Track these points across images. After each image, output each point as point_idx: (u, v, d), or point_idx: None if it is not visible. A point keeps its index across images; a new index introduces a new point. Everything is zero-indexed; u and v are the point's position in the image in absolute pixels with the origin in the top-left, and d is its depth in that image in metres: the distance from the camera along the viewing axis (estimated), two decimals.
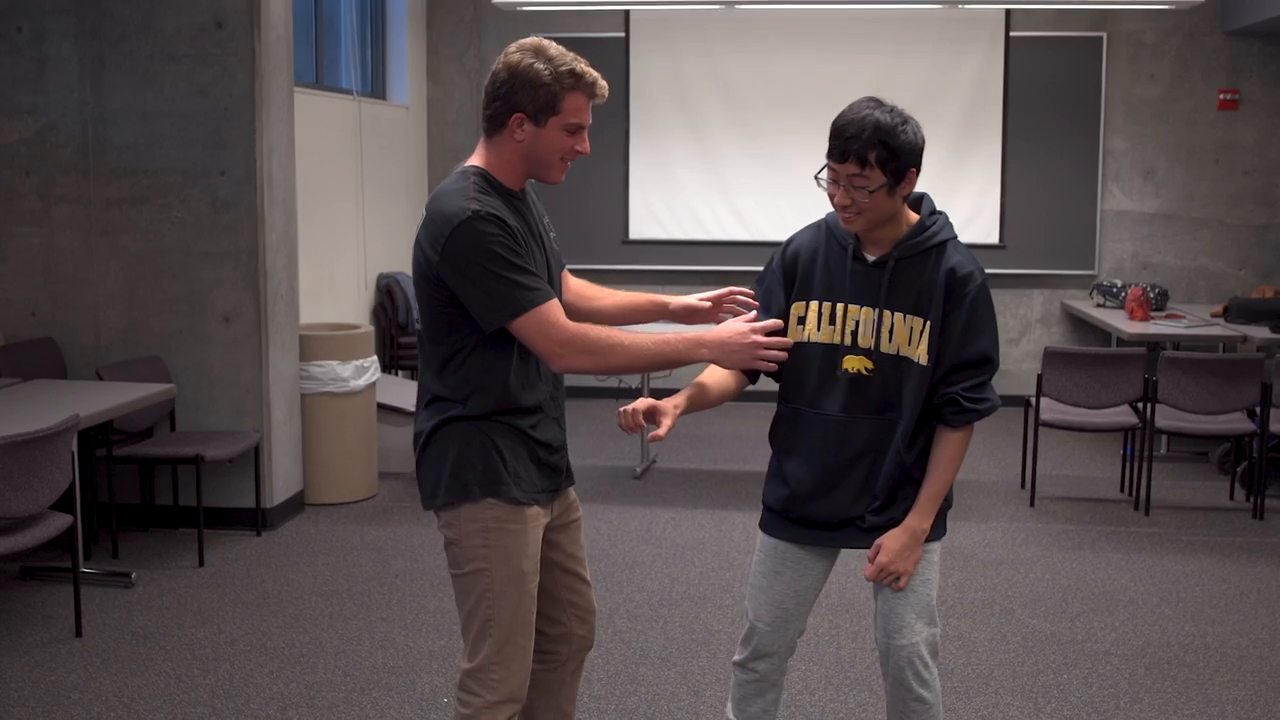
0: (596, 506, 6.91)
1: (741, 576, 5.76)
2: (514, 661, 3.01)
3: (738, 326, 3.03)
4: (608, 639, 4.99)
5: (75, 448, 4.98)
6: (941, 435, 3.08)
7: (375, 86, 9.57)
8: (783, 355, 3.05)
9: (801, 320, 3.10)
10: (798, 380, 3.12)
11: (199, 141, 6.27)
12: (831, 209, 3.07)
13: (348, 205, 8.62)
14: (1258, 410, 6.76)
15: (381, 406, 7.25)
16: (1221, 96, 9.61)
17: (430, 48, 10.15)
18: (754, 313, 3.16)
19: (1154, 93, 9.68)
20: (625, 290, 3.49)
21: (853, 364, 3.05)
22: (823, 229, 3.15)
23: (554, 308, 2.89)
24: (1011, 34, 9.60)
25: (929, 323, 3.00)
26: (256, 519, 6.39)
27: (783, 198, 9.70)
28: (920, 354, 3.01)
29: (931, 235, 3.04)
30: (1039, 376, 6.98)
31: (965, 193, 9.65)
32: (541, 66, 2.87)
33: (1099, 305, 9.09)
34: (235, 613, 5.28)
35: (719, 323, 3.24)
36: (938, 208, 3.11)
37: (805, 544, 3.19)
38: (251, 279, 6.31)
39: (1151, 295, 8.57)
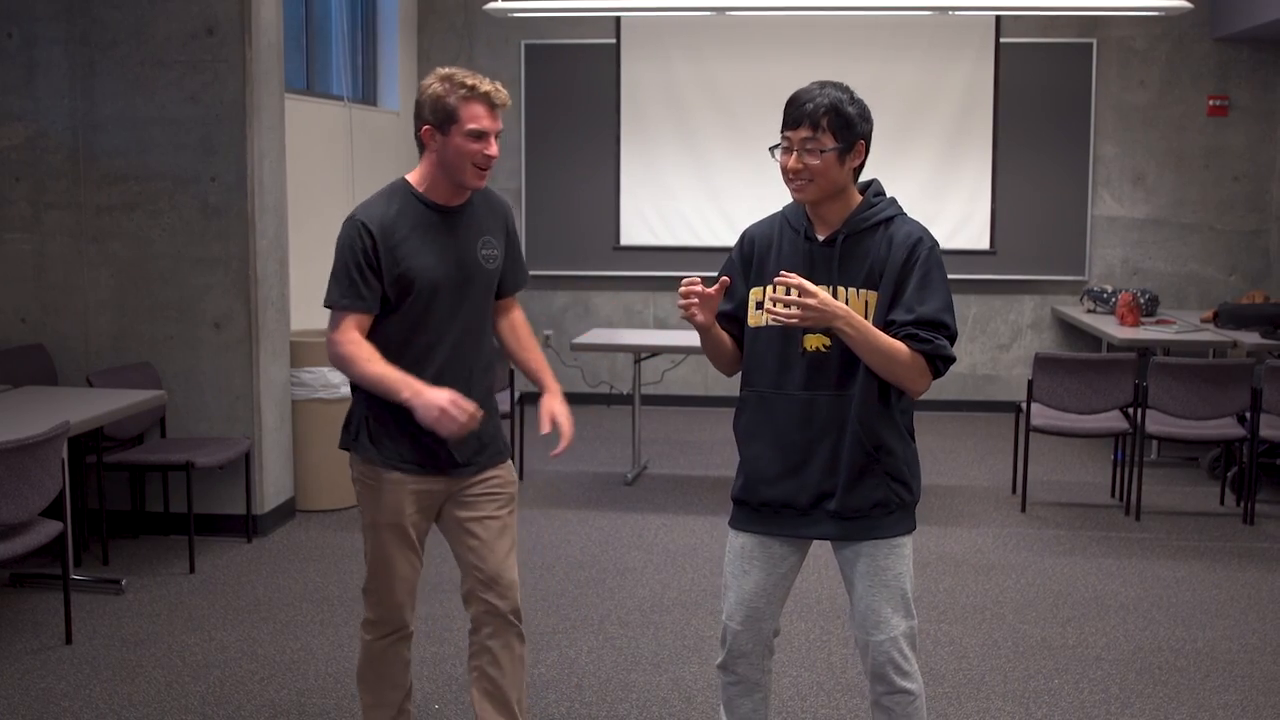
0: (587, 513, 6.91)
1: None
2: (381, 592, 3.58)
3: (441, 400, 3.21)
4: (599, 645, 4.99)
5: (65, 454, 4.97)
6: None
7: (366, 93, 9.57)
8: (461, 426, 3.22)
9: (759, 305, 3.16)
10: (758, 363, 3.19)
11: (190, 147, 6.27)
12: (789, 198, 3.19)
13: (339, 211, 8.54)
14: (1248, 415, 6.77)
15: None
16: (1211, 102, 9.64)
17: (421, 54, 10.15)
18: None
19: (1144, 99, 9.70)
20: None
21: (811, 342, 3.11)
22: (778, 218, 3.27)
23: (348, 316, 3.35)
24: (1001, 40, 9.62)
25: (874, 293, 3.07)
26: (247, 525, 6.38)
27: (773, 204, 9.65)
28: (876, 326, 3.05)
29: (878, 211, 3.13)
30: (1030, 382, 6.99)
31: (956, 199, 9.67)
32: (439, 86, 3.35)
33: (1089, 311, 9.11)
34: (226, 620, 5.27)
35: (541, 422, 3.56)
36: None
37: (773, 534, 3.22)
38: (242, 285, 6.31)
39: (1142, 301, 8.58)
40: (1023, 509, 7.06)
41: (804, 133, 3.06)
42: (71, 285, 6.40)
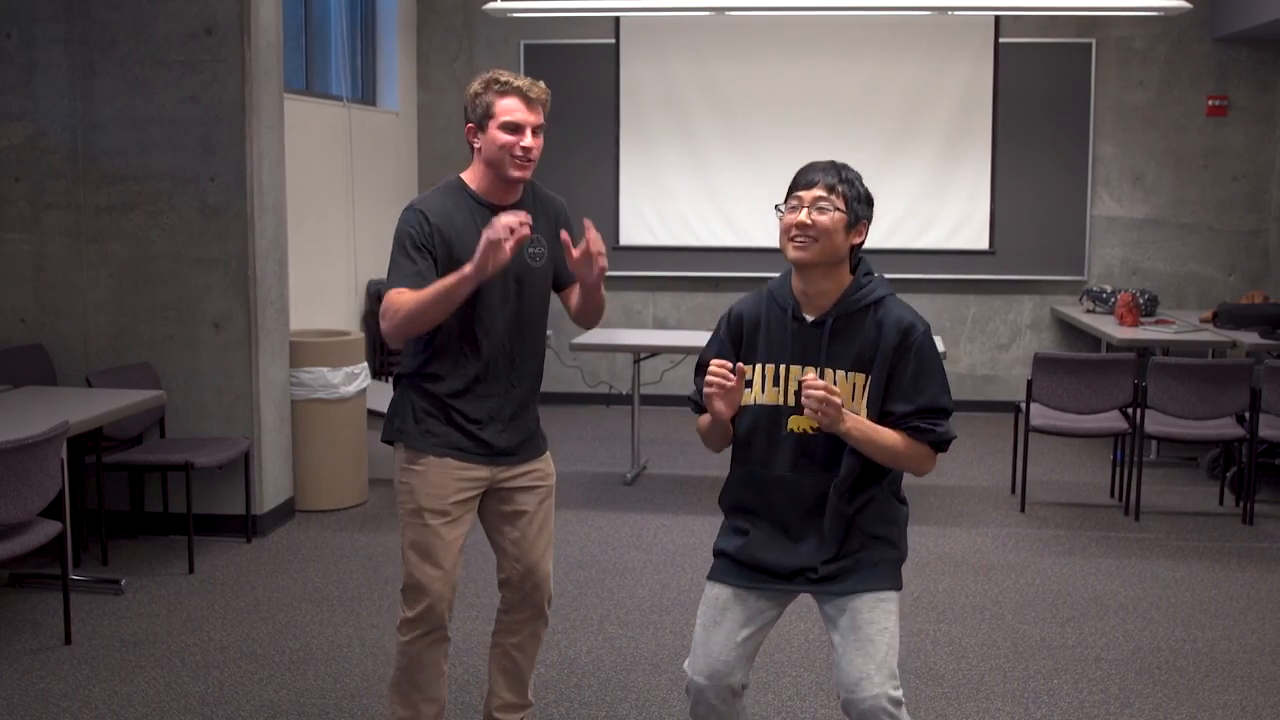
0: (587, 513, 6.90)
1: None
2: (421, 586, 3.57)
3: (481, 249, 3.24)
4: (598, 645, 4.98)
5: (65, 454, 4.97)
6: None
7: (365, 93, 9.57)
8: (513, 233, 3.21)
9: (749, 383, 3.14)
10: (747, 442, 3.18)
11: (189, 148, 6.27)
12: (778, 275, 3.22)
13: (338, 211, 8.61)
14: (1247, 415, 6.77)
15: (372, 413, 7.23)
16: (1210, 102, 9.64)
17: (421, 54, 10.15)
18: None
19: (1143, 99, 9.70)
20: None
21: (798, 424, 3.10)
22: (764, 295, 3.24)
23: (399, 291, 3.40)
24: (1001, 40, 9.62)
25: (870, 378, 3.07)
26: (246, 526, 6.38)
27: (772, 203, 9.68)
28: (863, 410, 3.06)
29: (869, 291, 3.12)
30: (1029, 382, 6.99)
31: (955, 198, 9.66)
32: (478, 85, 3.50)
33: (1089, 311, 9.11)
34: (225, 620, 5.27)
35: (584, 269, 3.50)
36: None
37: (752, 586, 3.17)
38: (242, 285, 6.30)
39: (1141, 301, 8.58)
40: (1022, 509, 7.06)
41: (818, 192, 3.08)
42: (71, 285, 6.40)
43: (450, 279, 3.31)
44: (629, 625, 5.22)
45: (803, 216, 3.07)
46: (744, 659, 3.17)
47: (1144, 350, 7.71)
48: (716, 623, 3.17)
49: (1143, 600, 5.59)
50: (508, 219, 3.24)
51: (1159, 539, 6.54)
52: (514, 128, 3.44)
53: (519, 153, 3.45)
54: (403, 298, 3.36)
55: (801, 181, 3.13)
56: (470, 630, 5.09)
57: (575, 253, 3.43)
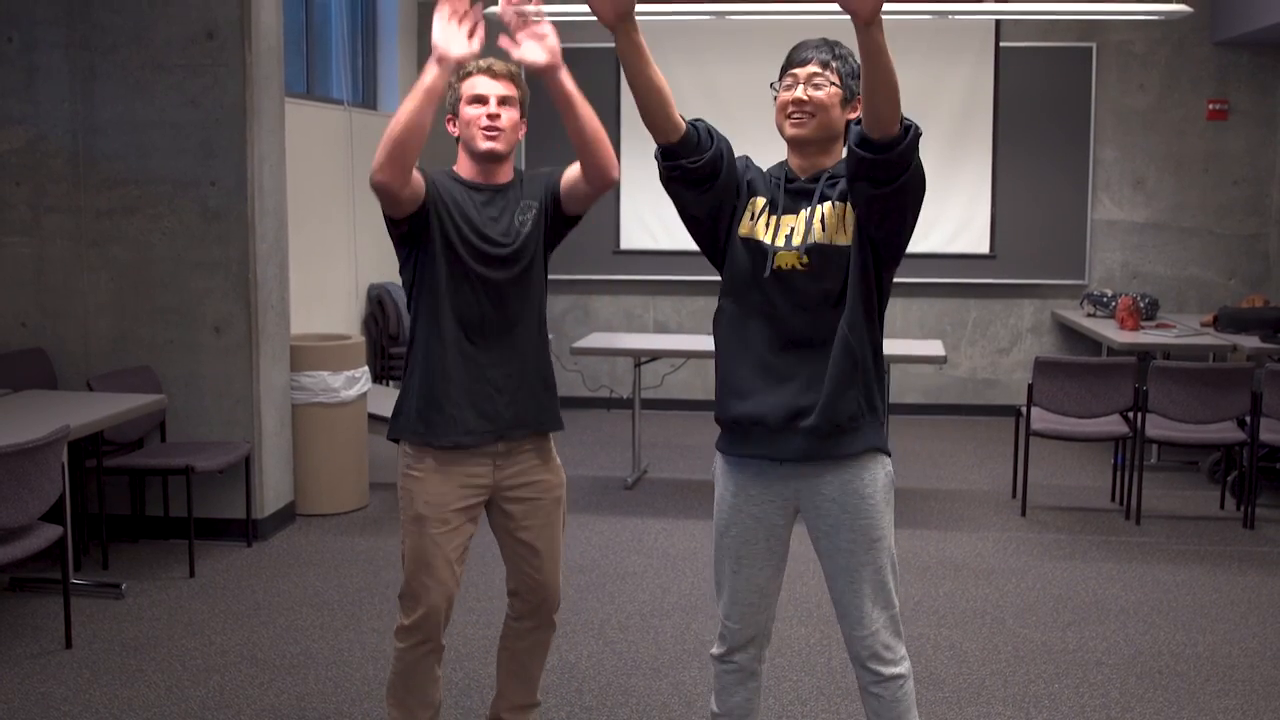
0: (587, 516, 6.90)
1: None
2: (419, 595, 3.55)
3: (434, 34, 3.29)
4: (599, 649, 4.98)
5: (65, 458, 4.97)
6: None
7: (366, 96, 9.57)
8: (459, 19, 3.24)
9: (754, 216, 3.15)
10: (734, 276, 3.16)
11: (190, 151, 6.27)
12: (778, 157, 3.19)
13: (339, 215, 8.61)
14: (1248, 419, 6.77)
15: (372, 417, 7.24)
16: (1211, 106, 9.65)
17: (421, 58, 10.14)
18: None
19: (1144, 103, 9.71)
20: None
21: (786, 260, 3.07)
22: (759, 167, 3.29)
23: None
24: (1001, 44, 9.62)
25: (848, 206, 3.05)
26: (247, 530, 6.38)
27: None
28: (848, 238, 3.04)
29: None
30: (1030, 386, 6.99)
31: (955, 202, 9.66)
32: (450, 79, 3.46)
33: (1089, 315, 9.11)
34: (226, 624, 5.27)
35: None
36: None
37: (746, 455, 3.16)
38: (242, 289, 6.30)
39: (1142, 305, 8.59)
40: (1023, 513, 7.05)
41: (813, 69, 3.08)
42: (71, 289, 6.40)
43: (418, 83, 3.28)
44: (629, 630, 5.22)
45: (799, 93, 3.07)
46: (770, 596, 3.27)
47: (1145, 354, 7.71)
48: (736, 571, 3.23)
49: (1144, 604, 5.59)
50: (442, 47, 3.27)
51: (1160, 543, 6.53)
52: (479, 100, 3.49)
53: (484, 122, 3.48)
54: (389, 127, 3.30)
55: (796, 59, 3.12)
56: (471, 635, 5.09)
57: (514, 28, 3.35)
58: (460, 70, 3.47)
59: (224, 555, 6.19)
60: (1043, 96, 9.70)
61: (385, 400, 7.70)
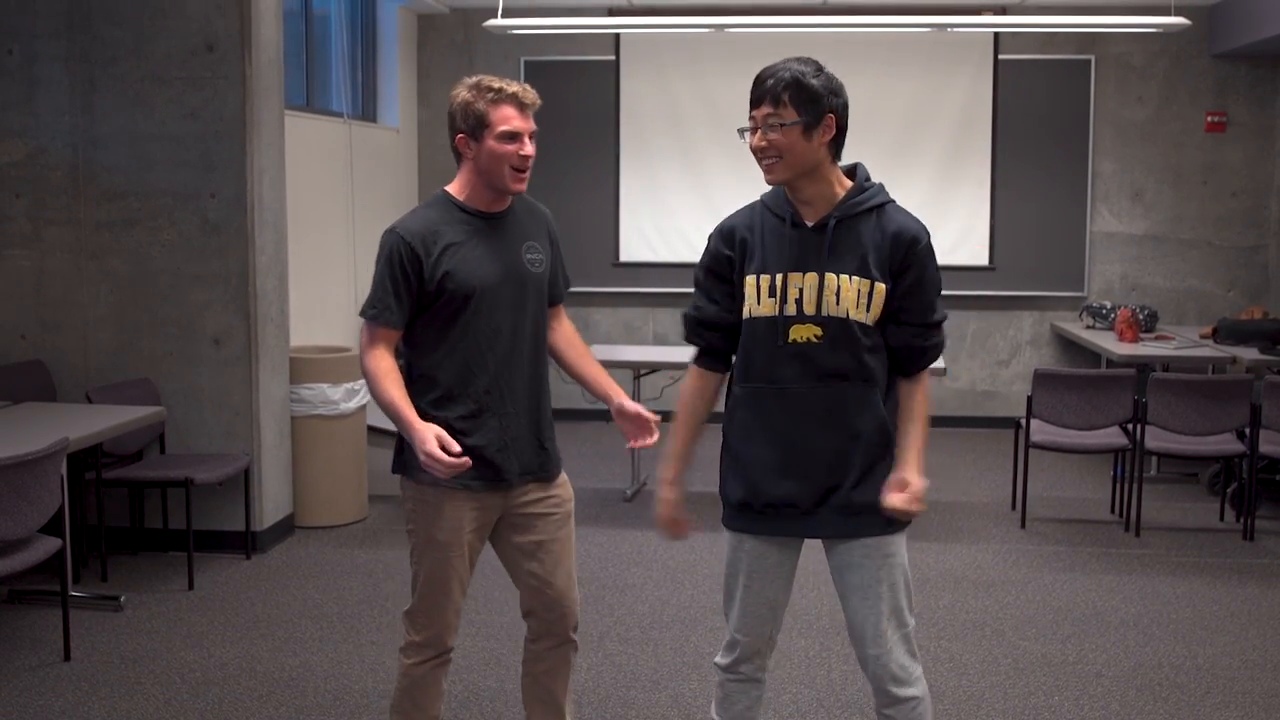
0: (587, 529, 6.90)
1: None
2: (432, 613, 3.51)
3: (427, 437, 3.19)
4: (598, 662, 4.98)
5: (64, 471, 4.97)
6: (905, 388, 3.11)
7: (366, 109, 9.58)
8: (444, 472, 3.17)
9: (744, 297, 3.10)
10: (748, 358, 3.11)
11: (189, 164, 6.28)
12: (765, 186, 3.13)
13: (338, 228, 8.62)
14: (1247, 431, 6.77)
15: (372, 429, 7.24)
16: (1209, 118, 9.66)
17: (421, 71, 10.17)
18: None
19: (1142, 115, 9.72)
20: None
21: (801, 333, 3.03)
22: (756, 206, 3.17)
23: (378, 329, 3.36)
24: (1000, 57, 9.64)
25: (878, 285, 3.01)
26: (246, 542, 6.37)
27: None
28: (871, 317, 3.01)
29: (870, 197, 3.05)
30: (1029, 398, 6.99)
31: (955, 215, 9.68)
32: (468, 93, 3.34)
33: (1088, 327, 9.11)
34: (225, 636, 5.26)
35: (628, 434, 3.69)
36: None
37: (775, 535, 3.16)
38: (242, 301, 6.31)
39: (1141, 317, 8.59)
40: (1022, 525, 7.05)
41: (766, 109, 2.99)
42: (71, 301, 6.41)
43: (399, 414, 3.26)
44: (629, 642, 5.21)
45: (757, 140, 3.01)
46: (780, 608, 3.26)
47: (1144, 366, 7.71)
48: (747, 585, 3.22)
49: (1143, 616, 5.58)
50: (435, 460, 3.17)
51: (1159, 555, 6.53)
52: (512, 136, 3.32)
53: (517, 162, 3.35)
54: (377, 378, 3.31)
55: (752, 97, 3.04)
56: (470, 648, 5.08)
57: (632, 439, 3.66)
58: (489, 91, 3.32)
59: (223, 568, 6.19)
60: (1041, 109, 9.71)
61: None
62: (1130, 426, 6.94)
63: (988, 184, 9.68)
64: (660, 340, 9.99)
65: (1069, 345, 9.79)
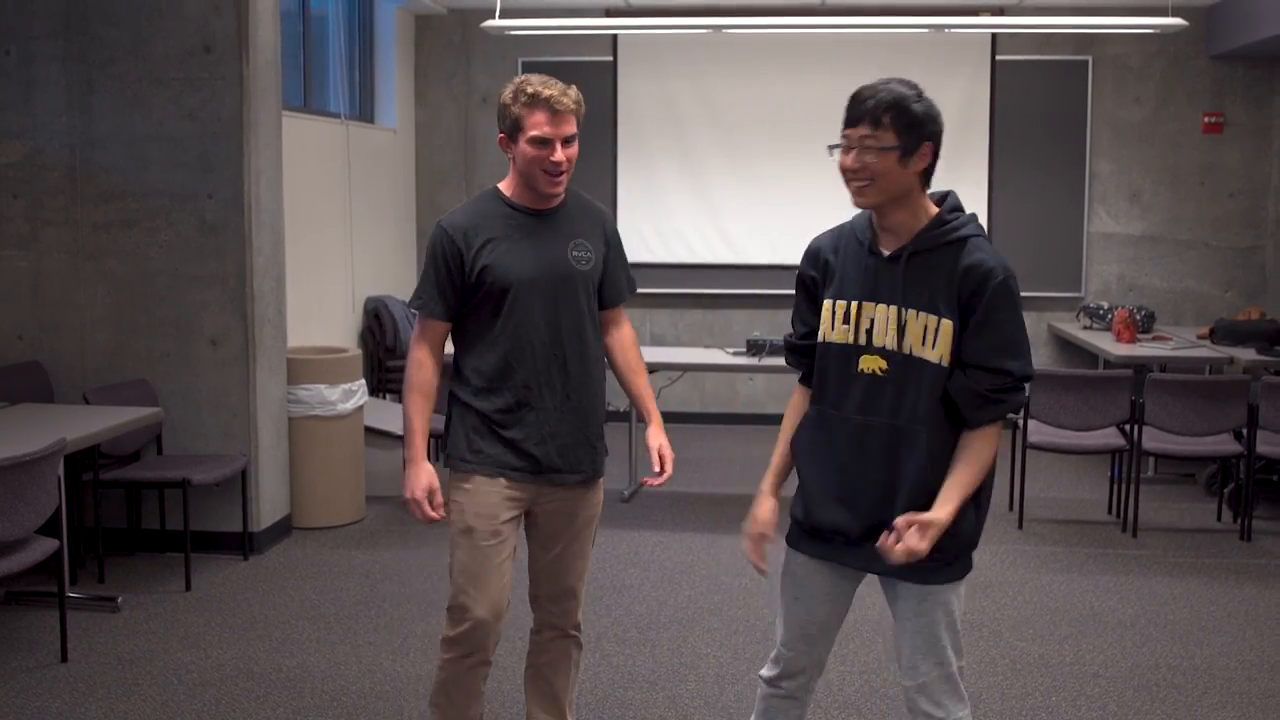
0: None
1: (730, 600, 5.75)
2: (463, 610, 3.49)
3: (419, 483, 3.46)
4: (595, 662, 4.97)
5: (62, 472, 4.97)
6: (965, 436, 2.92)
7: (363, 110, 9.58)
8: (418, 517, 3.45)
9: (833, 322, 3.01)
10: (822, 380, 3.05)
11: (187, 165, 6.27)
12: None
13: (336, 228, 8.62)
14: (1244, 431, 6.77)
15: (369, 430, 7.24)
16: (1206, 119, 9.67)
17: (418, 71, 10.17)
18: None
19: (1139, 116, 9.73)
20: (638, 367, 3.79)
21: (868, 364, 2.95)
22: (845, 229, 3.08)
23: (427, 321, 3.50)
24: (998, 58, 9.65)
25: (944, 321, 2.88)
26: (243, 543, 6.37)
27: (771, 221, 9.72)
28: (936, 355, 2.88)
29: (952, 229, 2.92)
30: (1026, 399, 6.99)
31: None
32: (509, 94, 3.39)
33: (1086, 327, 9.12)
34: (222, 637, 5.26)
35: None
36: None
37: (824, 559, 3.07)
38: (239, 302, 6.31)
39: (1138, 317, 8.59)
40: (1020, 526, 7.05)
41: (863, 130, 2.88)
42: (68, 302, 6.40)
43: (409, 440, 3.48)
44: (626, 643, 5.21)
45: (850, 160, 2.90)
46: (831, 629, 3.16)
47: (1141, 367, 7.71)
48: (796, 599, 3.14)
49: (1140, 617, 5.59)
50: (415, 505, 3.46)
51: (1157, 555, 6.53)
52: (542, 142, 3.36)
53: (549, 167, 3.39)
54: (409, 386, 3.50)
55: (849, 115, 2.92)
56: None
57: (656, 465, 3.61)
58: (522, 93, 3.35)
59: (220, 568, 6.19)
60: (1039, 110, 9.72)
61: (381, 413, 7.71)
62: (1127, 427, 6.94)
63: (985, 184, 9.69)
64: (658, 341, 9.99)
65: (1066, 346, 9.80)
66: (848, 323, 2.98)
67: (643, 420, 3.67)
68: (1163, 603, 5.78)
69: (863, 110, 2.89)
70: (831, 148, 2.98)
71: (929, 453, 2.90)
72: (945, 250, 2.90)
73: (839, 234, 3.09)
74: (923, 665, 3.00)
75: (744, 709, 4.53)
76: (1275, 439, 6.83)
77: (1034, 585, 6.02)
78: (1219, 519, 7.22)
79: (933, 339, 2.89)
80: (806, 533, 3.11)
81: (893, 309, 2.92)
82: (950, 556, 2.94)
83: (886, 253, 2.95)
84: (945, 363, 2.88)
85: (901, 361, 2.92)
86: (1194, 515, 7.33)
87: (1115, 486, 7.37)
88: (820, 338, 3.04)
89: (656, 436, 3.60)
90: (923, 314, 2.89)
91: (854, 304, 2.97)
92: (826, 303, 3.02)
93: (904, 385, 2.92)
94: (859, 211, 3.05)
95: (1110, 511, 7.38)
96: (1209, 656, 5.12)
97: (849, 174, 2.92)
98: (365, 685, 4.75)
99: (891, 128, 2.88)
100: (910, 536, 2.81)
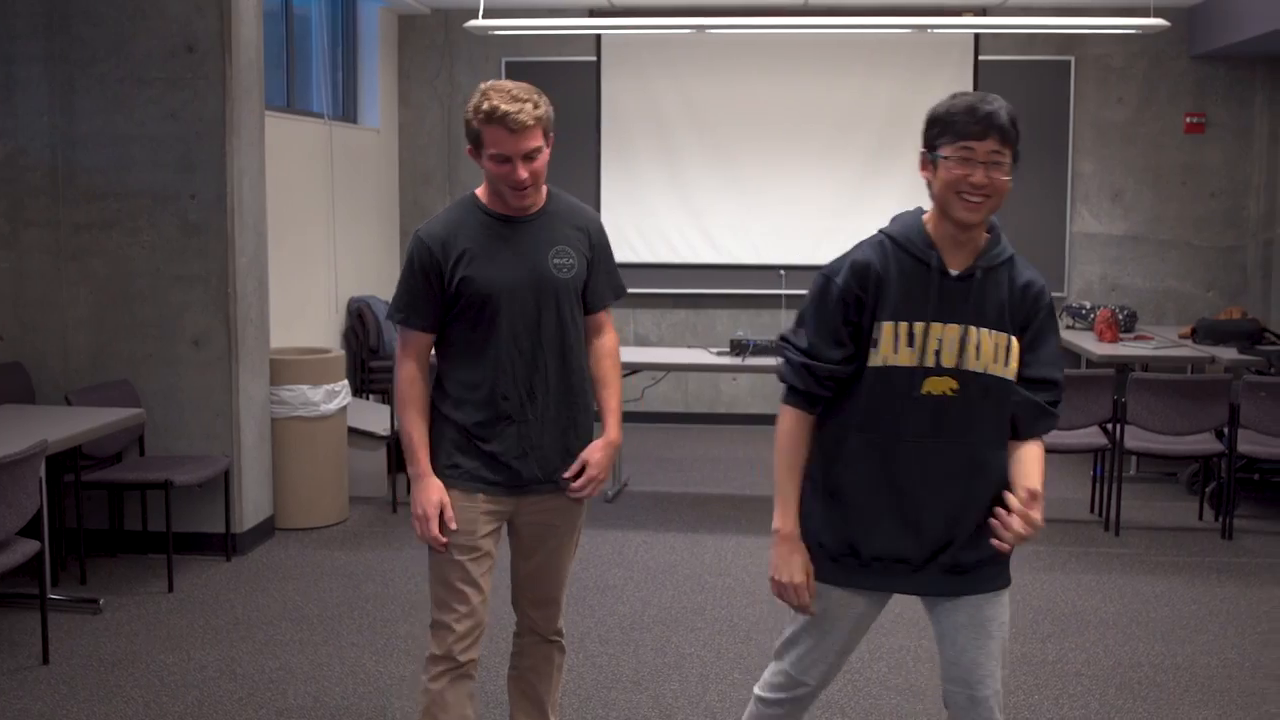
0: None
1: (714, 599, 5.76)
2: (444, 627, 3.42)
3: (430, 499, 3.35)
4: (579, 663, 4.97)
5: (43, 473, 4.95)
6: (1020, 448, 2.99)
7: (346, 110, 9.57)
8: (423, 537, 3.35)
9: (875, 344, 2.86)
10: (872, 408, 2.88)
11: (169, 165, 6.26)
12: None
13: (319, 228, 8.61)
14: (1226, 430, 6.80)
15: (352, 430, 7.23)
16: (1188, 119, 9.70)
17: (402, 71, 10.15)
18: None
19: (1122, 116, 9.76)
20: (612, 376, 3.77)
21: (937, 386, 2.84)
22: (886, 245, 2.89)
23: (409, 334, 3.41)
24: (980, 58, 9.67)
25: (1012, 339, 2.88)
26: (226, 544, 6.36)
27: (754, 221, 9.74)
28: (1011, 372, 2.88)
29: (1007, 247, 2.94)
30: None
31: None
32: (470, 106, 3.28)
33: (1068, 327, 9.14)
34: (205, 639, 5.25)
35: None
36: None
37: (872, 589, 2.96)
38: (222, 303, 6.29)
39: (1120, 317, 8.63)
40: None
41: (992, 145, 2.77)
42: (50, 303, 6.38)
43: (413, 455, 3.38)
44: (610, 643, 5.21)
45: (980, 177, 2.76)
46: (847, 655, 3.08)
47: (1123, 366, 7.74)
48: (827, 631, 2.99)
49: (1122, 616, 5.61)
50: (423, 521, 3.35)
51: (1139, 554, 6.56)
52: (503, 159, 3.26)
53: (512, 183, 3.29)
54: (402, 402, 3.40)
55: (971, 128, 2.80)
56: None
57: (570, 470, 3.49)
58: (481, 112, 3.23)
59: (203, 570, 6.17)
60: (1022, 110, 9.64)
61: (364, 414, 7.71)
62: (1110, 426, 6.96)
63: None
64: (641, 341, 9.99)
65: None
66: (912, 345, 2.84)
67: (604, 428, 3.60)
68: (1145, 601, 5.80)
69: (993, 125, 2.79)
70: (934, 155, 2.86)
71: (1000, 470, 2.94)
72: (1001, 269, 2.91)
73: (883, 250, 2.89)
74: (997, 671, 2.92)
75: (728, 708, 4.54)
76: (1256, 438, 6.85)
77: (1016, 584, 6.01)
78: (1200, 518, 7.25)
79: (1004, 356, 2.88)
80: (861, 565, 2.95)
81: (968, 329, 2.85)
82: (1005, 557, 2.95)
83: (955, 271, 2.86)
84: (1011, 377, 2.90)
85: (974, 380, 2.85)
86: (1176, 514, 7.36)
87: (1098, 485, 7.39)
88: (878, 361, 2.86)
89: (595, 450, 3.51)
90: (995, 332, 2.86)
91: (920, 325, 2.84)
92: (888, 325, 2.85)
93: (976, 405, 2.87)
94: (890, 224, 2.94)
95: (1093, 510, 7.40)
96: (1190, 655, 5.14)
97: (973, 189, 2.78)
98: (348, 686, 4.74)
99: (1011, 145, 2.81)
100: (1035, 510, 2.82)
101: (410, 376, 3.40)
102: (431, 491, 3.34)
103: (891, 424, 2.87)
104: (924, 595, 2.97)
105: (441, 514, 3.35)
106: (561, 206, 3.51)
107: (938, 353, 2.84)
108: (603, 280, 3.59)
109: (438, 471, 3.41)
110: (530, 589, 3.62)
